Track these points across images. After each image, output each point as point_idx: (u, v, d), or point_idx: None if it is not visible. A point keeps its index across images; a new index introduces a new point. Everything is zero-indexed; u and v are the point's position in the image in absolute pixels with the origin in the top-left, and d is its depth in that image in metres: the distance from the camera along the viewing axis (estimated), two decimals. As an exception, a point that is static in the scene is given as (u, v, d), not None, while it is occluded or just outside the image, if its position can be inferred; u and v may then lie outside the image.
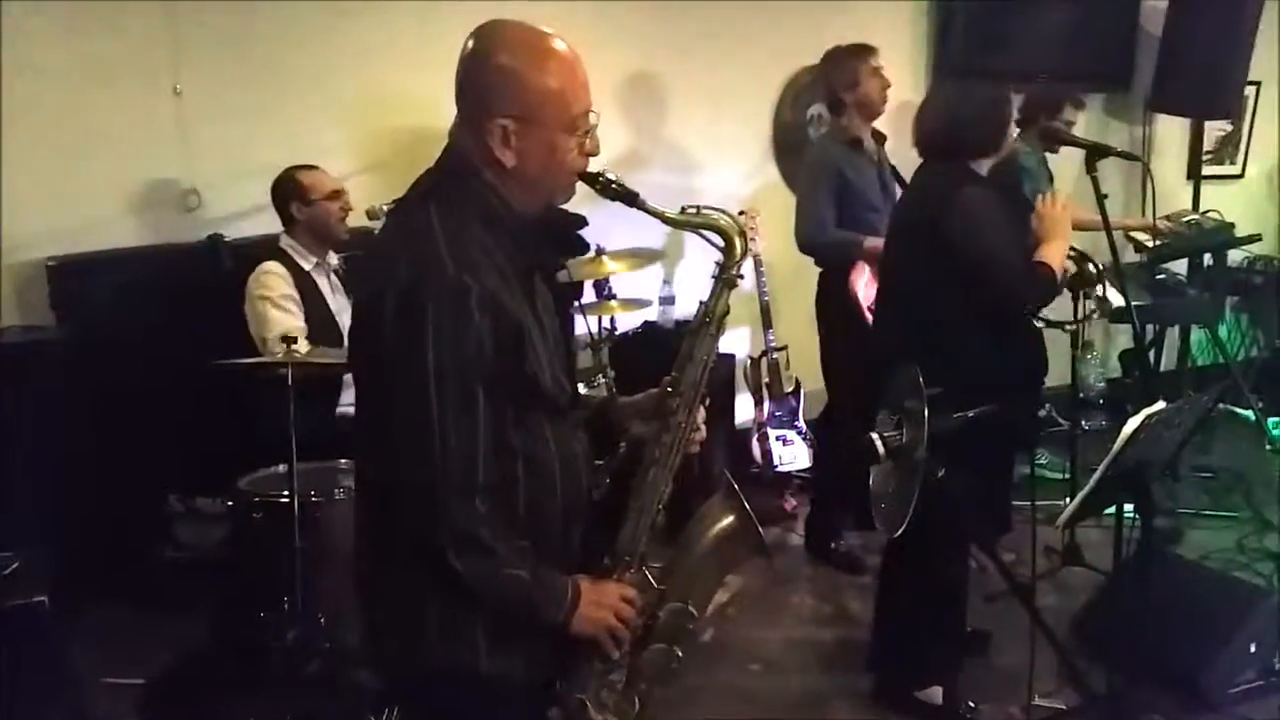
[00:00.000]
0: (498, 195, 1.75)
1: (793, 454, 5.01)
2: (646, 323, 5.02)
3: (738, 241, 1.89)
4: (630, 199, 1.82)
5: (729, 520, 1.91)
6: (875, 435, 2.05)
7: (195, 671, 3.41)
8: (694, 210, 1.87)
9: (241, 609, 3.33)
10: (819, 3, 5.33)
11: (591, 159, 1.80)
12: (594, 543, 1.88)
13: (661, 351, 4.68)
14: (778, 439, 5.02)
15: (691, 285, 5.25)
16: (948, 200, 3.02)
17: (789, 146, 5.42)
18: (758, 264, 4.87)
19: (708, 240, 1.90)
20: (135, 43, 4.16)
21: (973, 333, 2.98)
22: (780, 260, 4.88)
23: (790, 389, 5.03)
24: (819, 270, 4.33)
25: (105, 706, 3.28)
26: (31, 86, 4.00)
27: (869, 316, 4.13)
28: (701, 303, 1.94)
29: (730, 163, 5.36)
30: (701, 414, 1.92)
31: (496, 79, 1.71)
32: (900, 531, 2.08)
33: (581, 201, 1.95)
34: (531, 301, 1.76)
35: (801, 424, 5.03)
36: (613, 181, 1.81)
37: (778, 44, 5.34)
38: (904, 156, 4.40)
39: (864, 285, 4.16)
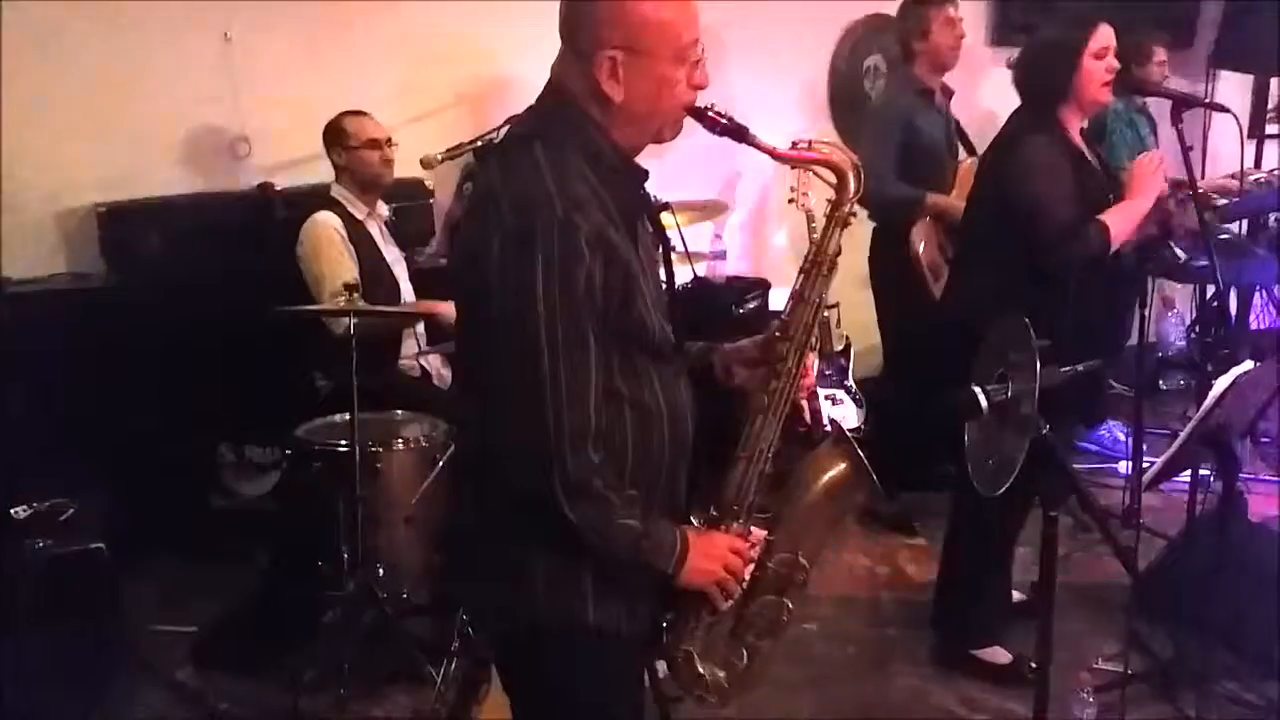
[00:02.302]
0: (602, 132, 1.68)
1: (842, 413, 4.93)
2: (697, 277, 4.94)
3: (851, 177, 1.81)
4: (740, 134, 1.75)
5: (841, 468, 1.85)
6: (978, 388, 1.97)
7: (249, 620, 3.40)
8: (805, 145, 1.80)
9: (297, 559, 3.31)
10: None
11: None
12: (700, 492, 1.83)
13: (711, 306, 4.76)
14: (826, 398, 4.94)
15: (741, 240, 5.18)
16: (1013, 144, 2.95)
17: (844, 98, 5.31)
18: (809, 218, 4.77)
19: (819, 177, 1.83)
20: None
21: (1047, 286, 2.88)
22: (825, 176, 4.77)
23: (840, 347, 4.94)
24: (873, 225, 4.23)
25: (157, 654, 3.28)
26: (82, 33, 3.95)
27: (929, 276, 4.05)
28: (812, 241, 1.87)
29: (784, 115, 5.23)
30: (812, 359, 1.86)
31: (603, 8, 1.64)
32: (1002, 490, 2.00)
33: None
34: (635, 244, 1.70)
35: (851, 383, 4.95)
36: (721, 115, 1.74)
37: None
38: (962, 117, 4.37)
39: (923, 244, 4.07)
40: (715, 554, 1.75)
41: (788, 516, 1.86)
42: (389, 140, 3.74)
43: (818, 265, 1.84)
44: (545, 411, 1.58)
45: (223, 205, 4.17)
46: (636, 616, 1.76)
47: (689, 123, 1.75)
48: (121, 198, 4.02)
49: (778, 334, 1.84)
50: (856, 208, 1.86)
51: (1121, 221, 2.91)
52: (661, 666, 1.81)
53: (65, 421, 3.58)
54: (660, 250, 1.82)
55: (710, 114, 1.73)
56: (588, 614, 1.71)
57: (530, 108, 1.75)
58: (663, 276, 1.80)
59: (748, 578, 1.81)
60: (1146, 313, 3.90)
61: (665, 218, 4.21)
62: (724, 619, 1.82)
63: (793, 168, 4.61)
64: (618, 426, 1.68)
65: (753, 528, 1.82)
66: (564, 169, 1.63)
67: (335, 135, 3.73)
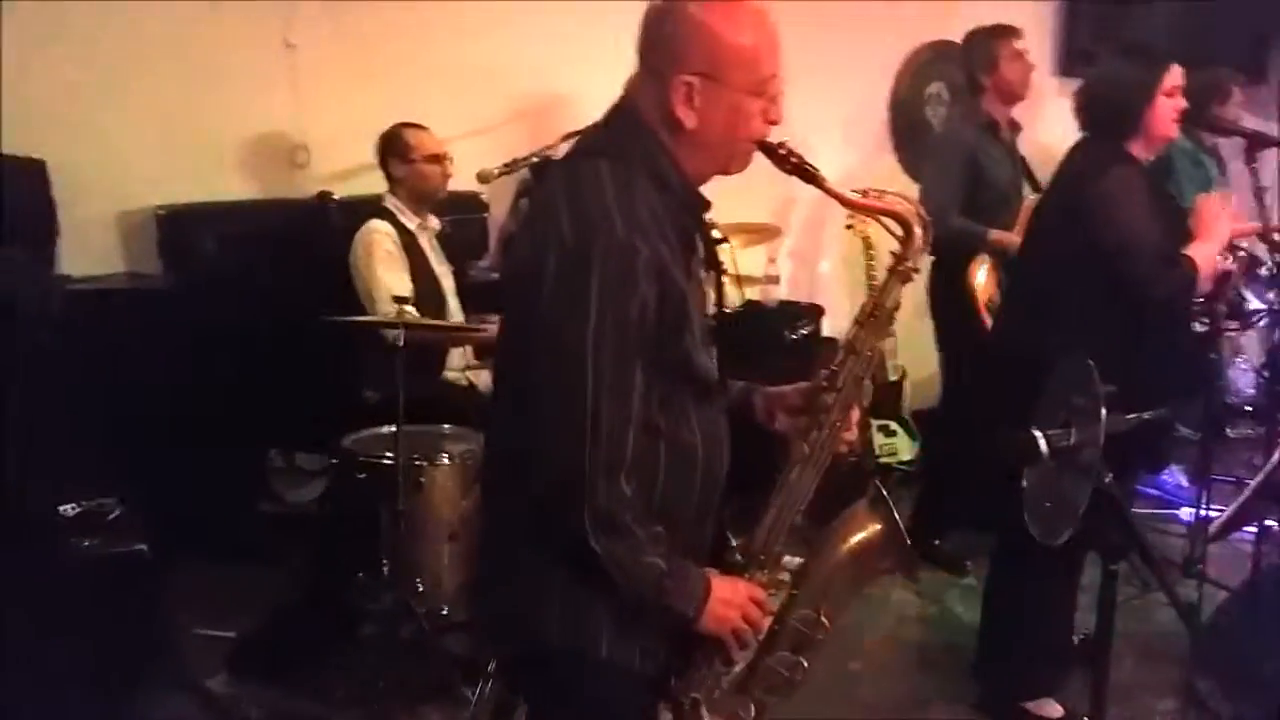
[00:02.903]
0: (670, 158, 1.64)
1: (894, 444, 4.86)
2: (749, 301, 4.89)
3: (918, 231, 1.76)
4: (810, 176, 1.70)
5: (874, 529, 1.79)
6: (1039, 433, 1.90)
7: (287, 629, 3.38)
8: (876, 194, 1.75)
9: (338, 569, 3.29)
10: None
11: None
12: (728, 536, 1.79)
13: (763, 331, 4.71)
14: (879, 429, 4.87)
15: (795, 265, 5.12)
16: (1091, 178, 2.86)
17: (905, 126, 5.24)
18: (867, 245, 4.72)
19: (884, 227, 1.77)
20: (249, -2, 4.13)
21: (1119, 328, 2.79)
22: (892, 243, 4.70)
23: (896, 377, 4.87)
24: (932, 258, 4.15)
25: (196, 658, 3.27)
26: (147, 37, 3.99)
27: (986, 314, 3.97)
28: (870, 293, 1.82)
29: (844, 142, 5.18)
30: (856, 414, 1.80)
31: (686, 32, 1.60)
32: (1064, 540, 1.92)
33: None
34: (688, 274, 1.65)
35: (905, 415, 4.88)
36: (793, 154, 1.69)
37: (897, 18, 5.15)
38: (1025, 148, 4.28)
39: (983, 280, 3.99)
40: (736, 602, 1.70)
41: (814, 572, 1.80)
42: (448, 155, 3.73)
43: (874, 318, 1.78)
44: (583, 437, 1.53)
45: (280, 211, 4.19)
46: (649, 656, 1.71)
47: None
48: (181, 201, 4.05)
49: (825, 384, 1.78)
50: (922, 260, 1.81)
51: (1203, 259, 2.84)
52: (666, 710, 1.74)
53: (116, 420, 3.59)
54: (715, 283, 1.77)
55: (781, 151, 1.69)
56: (600, 648, 1.66)
57: (597, 124, 1.71)
58: (711, 309, 1.76)
59: (765, 630, 1.75)
60: (1215, 357, 3.80)
61: (722, 237, 4.18)
62: (736, 670, 1.77)
63: (860, 217, 4.60)
64: (651, 460, 1.63)
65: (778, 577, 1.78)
66: (629, 190, 1.59)
67: (393, 146, 3.73)
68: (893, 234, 1.77)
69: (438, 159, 3.71)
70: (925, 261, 4.07)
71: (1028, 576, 3.07)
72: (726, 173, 1.70)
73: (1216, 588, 3.65)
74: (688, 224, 1.67)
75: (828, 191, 1.71)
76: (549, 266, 1.55)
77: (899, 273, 1.78)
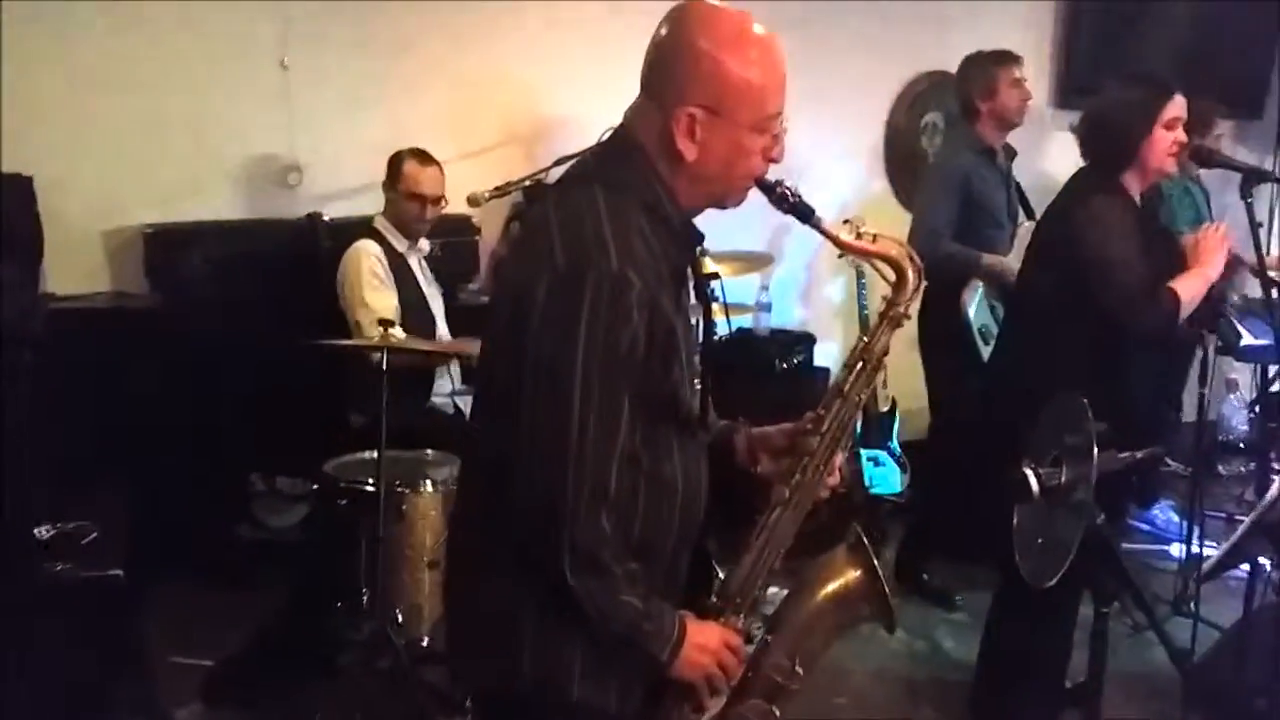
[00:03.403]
0: (667, 189, 1.62)
1: (884, 476, 4.81)
2: (740, 329, 4.86)
3: (911, 276, 1.73)
4: (806, 216, 1.68)
5: (853, 576, 1.75)
6: (1030, 470, 1.86)
7: (263, 657, 3.32)
8: (871, 237, 1.72)
9: (317, 597, 3.24)
10: (941, 4, 5.12)
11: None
12: (701, 577, 1.74)
13: (754, 359, 4.68)
14: (869, 459, 4.82)
15: (787, 293, 5.09)
16: (1077, 205, 2.84)
17: (900, 154, 5.22)
18: (859, 274, 4.69)
19: (877, 270, 1.75)
20: (245, 16, 4.12)
21: (1109, 361, 2.76)
22: (886, 272, 4.68)
23: (886, 408, 4.83)
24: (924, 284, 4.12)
25: (170, 685, 3.21)
26: (139, 55, 3.98)
27: (980, 341, 3.94)
28: (860, 338, 1.78)
29: (838, 169, 5.17)
30: (840, 458, 1.76)
31: (693, 63, 1.57)
32: (1053, 582, 1.87)
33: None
34: (678, 308, 1.62)
35: (895, 446, 4.83)
36: (791, 193, 1.66)
37: (894, 47, 5.14)
38: (1022, 179, 4.27)
39: (975, 306, 3.96)
40: (710, 646, 1.65)
41: (789, 619, 1.75)
42: (438, 199, 3.71)
43: (864, 361, 1.75)
44: (566, 469, 1.50)
45: (269, 232, 4.16)
46: (621, 698, 1.65)
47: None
48: (170, 220, 4.02)
49: (809, 427, 1.74)
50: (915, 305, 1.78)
51: (1189, 291, 2.80)
52: None
53: (98, 439, 3.55)
54: (704, 316, 1.74)
55: (779, 189, 1.66)
56: (572, 688, 1.61)
57: (594, 149, 1.69)
58: (697, 344, 1.72)
59: (739, 677, 1.70)
60: (1207, 391, 3.77)
61: (709, 267, 4.15)
62: (706, 717, 1.71)
63: (853, 258, 4.56)
64: (630, 495, 1.59)
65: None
66: (623, 219, 1.56)
67: (391, 169, 3.71)
68: (884, 279, 1.74)
69: (421, 199, 3.66)
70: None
71: (1025, 614, 3.02)
72: (721, 207, 1.68)
73: (1209, 627, 3.63)
74: (679, 257, 1.64)
75: (824, 233, 1.70)
76: (539, 293, 1.51)
77: (890, 318, 1.75)
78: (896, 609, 1.78)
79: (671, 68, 1.59)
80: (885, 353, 1.76)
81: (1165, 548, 4.44)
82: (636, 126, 1.62)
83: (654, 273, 1.55)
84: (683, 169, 1.60)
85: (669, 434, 1.63)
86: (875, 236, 1.72)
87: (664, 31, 1.61)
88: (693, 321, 1.75)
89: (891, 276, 1.74)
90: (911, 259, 1.74)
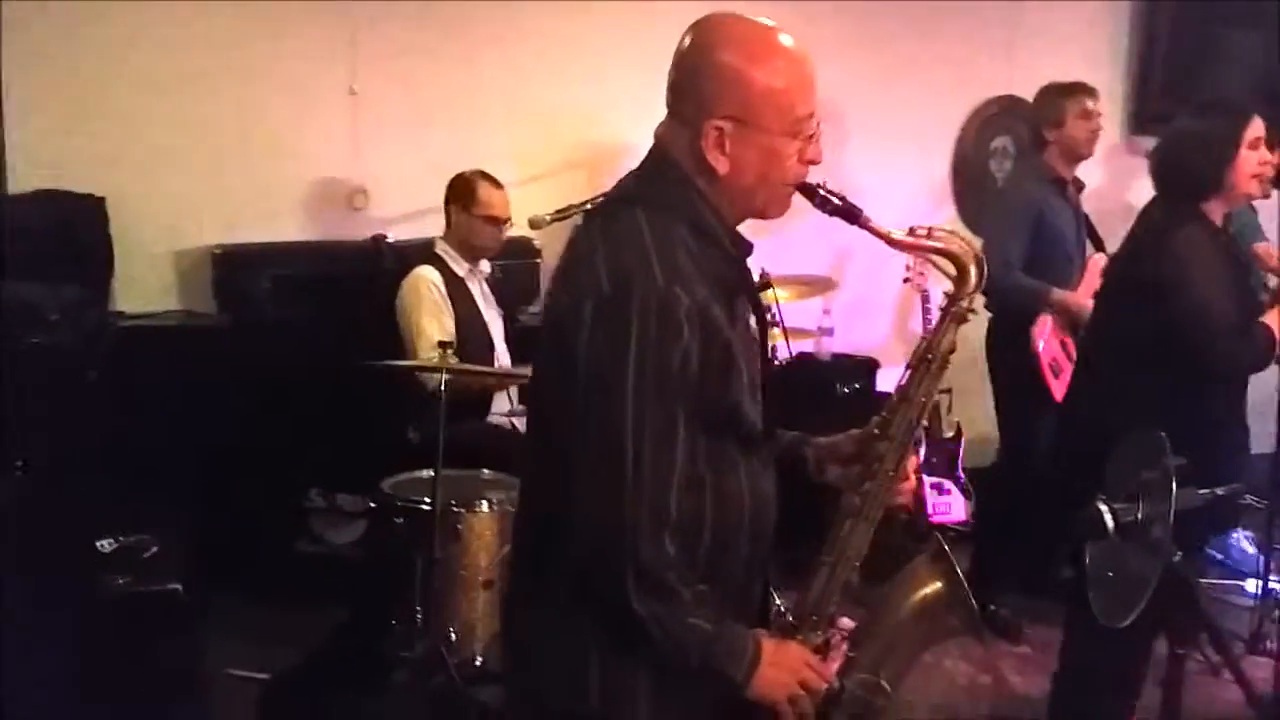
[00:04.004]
0: (708, 204, 1.59)
1: (948, 503, 4.72)
2: (801, 353, 4.81)
3: (972, 270, 1.68)
4: (852, 216, 1.63)
5: (936, 587, 1.69)
6: (1105, 507, 1.78)
7: (319, 673, 3.33)
8: (924, 232, 1.67)
9: (373, 614, 3.25)
10: (1011, 29, 5.05)
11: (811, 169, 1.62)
12: (772, 594, 1.70)
13: (815, 384, 4.62)
14: (933, 486, 4.73)
15: (850, 318, 5.03)
16: (1164, 239, 2.75)
17: (968, 179, 5.15)
18: (924, 298, 4.62)
19: (937, 267, 1.70)
20: (314, 43, 4.20)
21: (1192, 397, 2.67)
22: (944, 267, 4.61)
23: (950, 434, 4.75)
24: (990, 316, 4.05)
25: (227, 699, 3.24)
26: (211, 78, 4.07)
27: (1050, 375, 3.85)
28: (923, 337, 1.73)
29: (906, 194, 5.11)
30: (913, 461, 1.71)
31: (715, 76, 1.55)
32: (1128, 622, 1.79)
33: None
34: (733, 321, 1.59)
35: (960, 473, 4.74)
36: (833, 195, 1.62)
37: (964, 71, 5.09)
38: (1097, 208, 4.18)
39: (1045, 340, 3.88)
40: (790, 665, 1.59)
41: (873, 634, 1.69)
42: (507, 220, 3.75)
43: (927, 362, 1.69)
44: (623, 495, 1.47)
45: (335, 254, 4.22)
46: None
47: (799, 197, 1.64)
48: (238, 241, 4.09)
49: (877, 431, 1.70)
50: (977, 300, 1.73)
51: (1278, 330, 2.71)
52: None
53: (162, 455, 3.60)
54: (759, 330, 1.70)
55: (822, 192, 1.62)
56: (639, 718, 1.57)
57: (633, 172, 1.66)
58: (759, 358, 1.69)
59: (823, 695, 1.64)
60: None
61: (771, 290, 4.12)
62: None
63: (918, 270, 4.51)
64: (696, 514, 1.55)
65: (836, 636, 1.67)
66: (667, 237, 1.54)
67: (461, 192, 3.73)
68: (945, 274, 1.69)
69: (496, 221, 3.72)
70: (980, 304, 4.00)
71: (1097, 650, 2.92)
72: (765, 217, 1.64)
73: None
74: (728, 271, 1.61)
75: (873, 231, 1.64)
76: (585, 316, 1.49)
77: (953, 314, 1.70)
78: (958, 642, 1.71)
79: (695, 82, 1.57)
80: (951, 350, 1.70)
81: (1240, 583, 4.29)
82: (669, 144, 1.60)
83: (703, 287, 1.52)
84: (719, 182, 1.57)
85: (733, 449, 1.59)
86: (930, 231, 1.67)
87: (685, 46, 1.59)
88: (755, 336, 1.71)
89: (953, 272, 1.69)
90: (973, 253, 1.68)
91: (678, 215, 1.57)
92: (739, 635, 1.57)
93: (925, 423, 4.99)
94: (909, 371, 1.71)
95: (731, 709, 1.60)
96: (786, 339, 4.37)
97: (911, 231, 1.67)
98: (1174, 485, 1.76)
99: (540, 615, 1.64)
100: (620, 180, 1.67)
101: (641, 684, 1.57)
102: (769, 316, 4.33)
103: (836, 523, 1.68)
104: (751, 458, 1.62)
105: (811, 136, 1.59)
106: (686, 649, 1.52)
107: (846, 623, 1.71)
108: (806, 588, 1.67)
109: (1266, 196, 3.90)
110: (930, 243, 1.67)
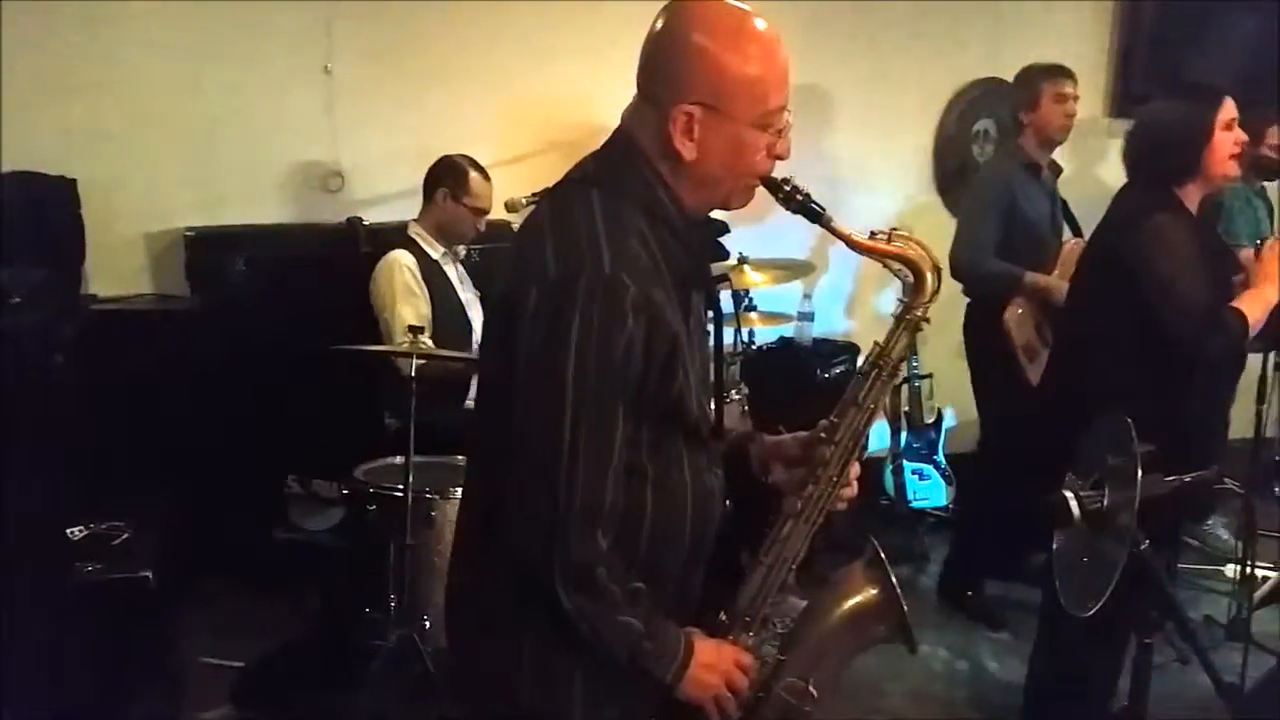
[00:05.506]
0: (668, 190, 1.55)
1: (928, 490, 4.72)
2: (782, 338, 4.79)
3: (929, 278, 1.64)
4: (816, 216, 1.59)
5: (870, 593, 1.67)
6: (1070, 494, 1.77)
7: (293, 661, 3.32)
8: (884, 236, 1.63)
9: (347, 602, 3.22)
10: (995, 8, 5.02)
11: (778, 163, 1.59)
12: (713, 593, 1.67)
13: (796, 369, 4.60)
14: (913, 472, 4.73)
15: (831, 302, 5.01)
16: (1137, 224, 2.73)
17: (950, 162, 5.12)
18: (905, 286, 4.60)
19: (894, 273, 1.66)
20: (289, 21, 4.13)
21: (1163, 383, 2.65)
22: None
23: (931, 420, 4.74)
24: (968, 300, 4.03)
25: (201, 687, 3.22)
26: (183, 59, 4.00)
27: (1023, 358, 3.84)
28: (876, 343, 1.70)
29: (886, 177, 5.09)
30: (855, 469, 1.68)
31: (687, 60, 1.50)
32: (1092, 611, 1.78)
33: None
34: (686, 313, 1.56)
35: (941, 458, 4.74)
36: (799, 192, 1.58)
37: (946, 53, 5.05)
38: (1079, 190, 4.16)
39: (1017, 323, 3.86)
40: (720, 666, 1.58)
41: (803, 638, 1.67)
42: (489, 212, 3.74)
43: (879, 368, 1.66)
44: (557, 483, 1.44)
45: (309, 237, 4.16)
46: None
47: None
48: (211, 224, 4.04)
49: (823, 435, 1.67)
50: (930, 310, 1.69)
51: (1255, 311, 2.67)
52: None
53: (135, 440, 3.56)
54: (714, 324, 1.67)
55: (787, 188, 1.58)
56: (572, 713, 1.56)
57: (594, 153, 1.61)
58: (711, 352, 1.66)
59: (750, 698, 1.63)
60: (1265, 409, 3.65)
61: (750, 275, 4.09)
62: None
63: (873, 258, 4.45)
64: (637, 507, 1.53)
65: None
66: (619, 222, 1.50)
67: (451, 177, 3.68)
68: (901, 280, 1.66)
69: (482, 214, 3.70)
70: (963, 305, 4.00)
71: (1073, 636, 2.91)
72: (726, 208, 1.61)
73: (1264, 652, 3.49)
74: (684, 260, 1.57)
75: (835, 233, 1.60)
76: (530, 299, 1.46)
77: (906, 321, 1.67)
78: (936, 628, 1.70)
79: (667, 65, 1.52)
80: (902, 359, 1.68)
81: (1220, 567, 4.30)
82: (634, 128, 1.56)
83: (655, 276, 1.49)
84: (682, 169, 1.53)
85: (677, 442, 1.57)
86: (890, 237, 1.63)
87: (658, 28, 1.54)
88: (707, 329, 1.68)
89: (909, 278, 1.66)
90: (931, 262, 1.65)
91: (634, 201, 1.53)
92: (670, 635, 1.55)
93: (906, 408, 4.97)
94: (859, 378, 1.68)
95: (666, 709, 1.58)
96: (760, 323, 4.36)
97: (873, 235, 1.63)
98: (1139, 472, 1.74)
99: (476, 612, 1.62)
100: (580, 161, 1.63)
101: (576, 676, 1.55)
102: (744, 303, 4.32)
103: (775, 524, 1.66)
104: (698, 452, 1.60)
105: (781, 131, 1.55)
106: (616, 646, 1.51)
107: (797, 603, 1.70)
108: (741, 587, 1.65)
109: (1244, 179, 3.90)
110: (888, 248, 1.63)
